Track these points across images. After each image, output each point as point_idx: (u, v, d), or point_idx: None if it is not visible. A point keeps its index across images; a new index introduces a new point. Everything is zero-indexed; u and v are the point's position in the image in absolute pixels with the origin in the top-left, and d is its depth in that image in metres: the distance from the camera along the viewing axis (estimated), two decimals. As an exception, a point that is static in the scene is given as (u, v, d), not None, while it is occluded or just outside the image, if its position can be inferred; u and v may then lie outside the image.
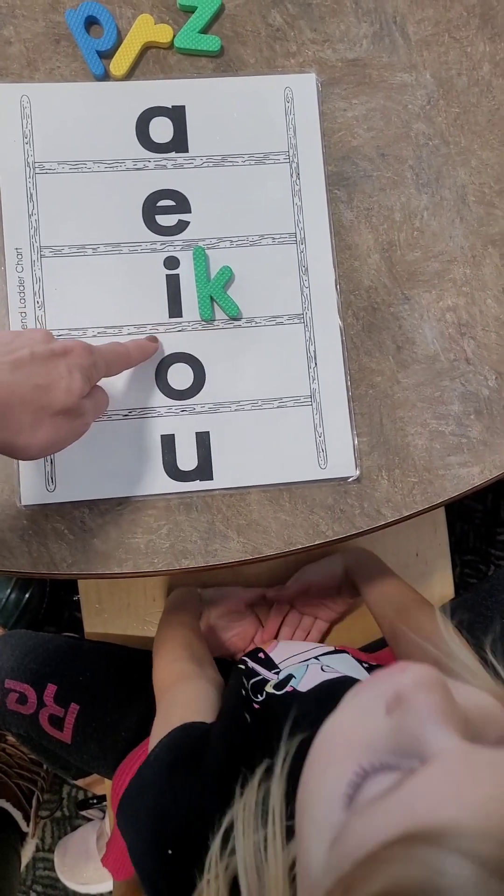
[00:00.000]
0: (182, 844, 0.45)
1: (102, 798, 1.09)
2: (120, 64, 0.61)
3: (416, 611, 0.71)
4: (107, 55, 0.61)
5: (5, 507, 0.57)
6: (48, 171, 0.60)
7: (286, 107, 0.62)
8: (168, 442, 0.59)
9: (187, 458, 0.59)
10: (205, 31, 0.61)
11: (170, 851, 0.45)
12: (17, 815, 1.09)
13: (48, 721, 0.78)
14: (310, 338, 0.61)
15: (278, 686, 0.62)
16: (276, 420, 0.60)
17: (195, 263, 0.60)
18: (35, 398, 0.46)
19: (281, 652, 0.68)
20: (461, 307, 0.62)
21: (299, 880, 0.31)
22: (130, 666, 0.84)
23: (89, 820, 1.22)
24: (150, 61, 0.62)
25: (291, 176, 0.62)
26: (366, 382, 0.61)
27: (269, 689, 0.61)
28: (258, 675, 0.63)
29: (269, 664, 0.65)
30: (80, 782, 0.99)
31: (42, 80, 0.61)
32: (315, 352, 0.60)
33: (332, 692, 0.55)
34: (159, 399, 0.59)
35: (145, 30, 0.61)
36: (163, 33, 0.61)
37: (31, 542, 0.58)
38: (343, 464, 0.60)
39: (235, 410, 0.60)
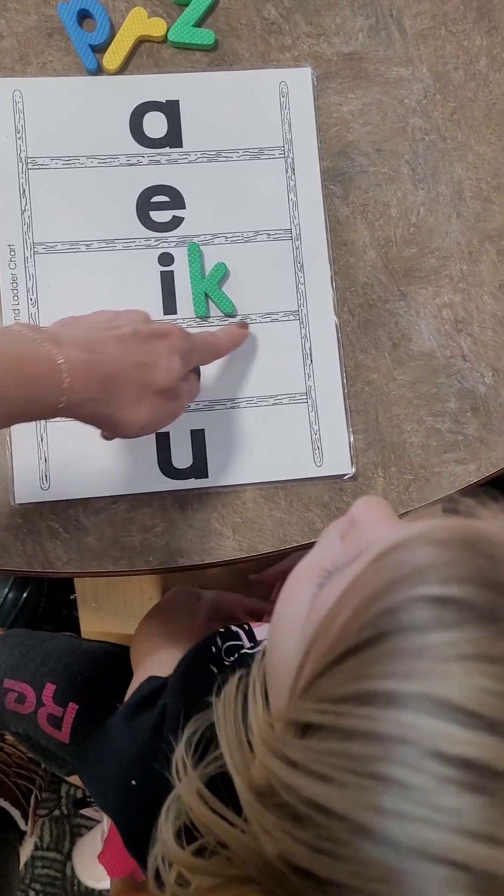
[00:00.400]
0: (144, 776, 0.45)
1: (100, 796, 1.09)
2: (113, 58, 0.60)
3: None
4: (100, 49, 0.60)
5: (-1, 505, 0.57)
6: (41, 166, 0.59)
7: (281, 101, 0.62)
8: (162, 439, 0.58)
9: (182, 456, 0.58)
10: (199, 24, 0.61)
11: (133, 782, 0.46)
12: (16, 813, 1.09)
13: (47, 720, 0.78)
14: (305, 335, 0.60)
15: (253, 647, 0.62)
16: (272, 417, 0.59)
17: (190, 260, 0.59)
18: (138, 375, 0.47)
19: (265, 631, 0.67)
20: (458, 304, 0.62)
21: (272, 698, 0.33)
22: (129, 665, 0.84)
23: (88, 819, 1.22)
24: (143, 55, 0.61)
25: (287, 171, 0.61)
26: (362, 379, 0.61)
27: (244, 650, 0.61)
28: (238, 639, 0.63)
29: (251, 636, 0.65)
30: (74, 779, 0.98)
31: (34, 75, 0.60)
32: (310, 349, 0.60)
33: None
34: None
35: (139, 23, 0.60)
36: (156, 27, 0.60)
37: (26, 540, 0.57)
38: (339, 461, 0.59)
39: (230, 408, 0.59)
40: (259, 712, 0.32)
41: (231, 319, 0.60)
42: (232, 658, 0.59)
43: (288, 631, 0.33)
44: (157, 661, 0.62)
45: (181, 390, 0.51)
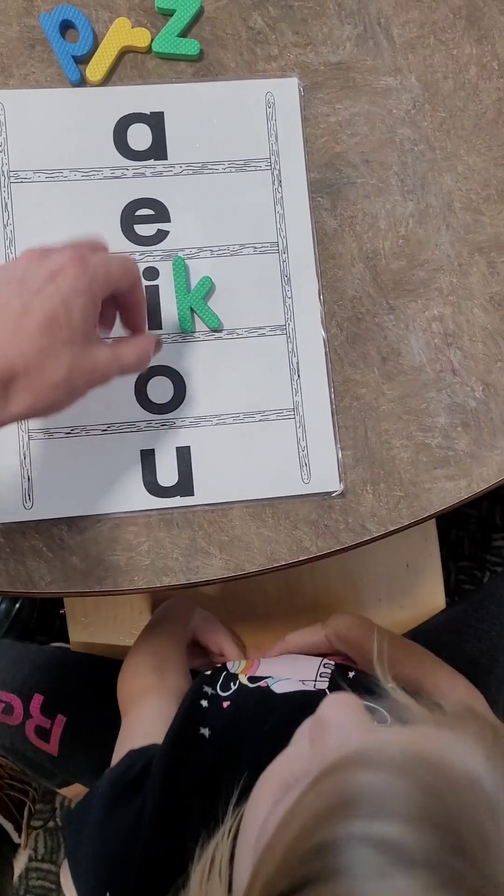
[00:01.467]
0: (117, 886, 0.45)
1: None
2: (96, 69, 0.59)
3: (405, 665, 0.69)
4: (83, 60, 0.59)
5: (-19, 525, 0.56)
6: (23, 180, 0.59)
7: (267, 112, 0.61)
8: (148, 457, 0.57)
9: (167, 474, 0.57)
10: (183, 34, 0.60)
11: (107, 894, 0.45)
12: (9, 826, 1.08)
13: (34, 732, 0.77)
14: (292, 349, 0.59)
15: (252, 679, 0.60)
16: (258, 434, 0.58)
17: (175, 274, 0.58)
18: (39, 362, 0.44)
19: (267, 667, 0.66)
20: (447, 317, 0.61)
21: None
22: (118, 677, 0.83)
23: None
24: (127, 66, 0.60)
25: (273, 183, 0.60)
26: (350, 395, 0.60)
27: (242, 679, 0.59)
28: (235, 677, 0.61)
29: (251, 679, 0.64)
30: (65, 791, 0.97)
31: (16, 86, 0.59)
32: (298, 364, 0.59)
33: (304, 704, 0.53)
34: (138, 413, 0.58)
35: (122, 34, 0.59)
36: (140, 37, 0.59)
37: (9, 559, 0.56)
38: (327, 478, 0.58)
39: (217, 424, 0.58)
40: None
41: (217, 334, 0.59)
42: (233, 687, 0.57)
43: (246, 842, 0.32)
44: (138, 724, 0.60)
45: (93, 337, 0.47)
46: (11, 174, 0.58)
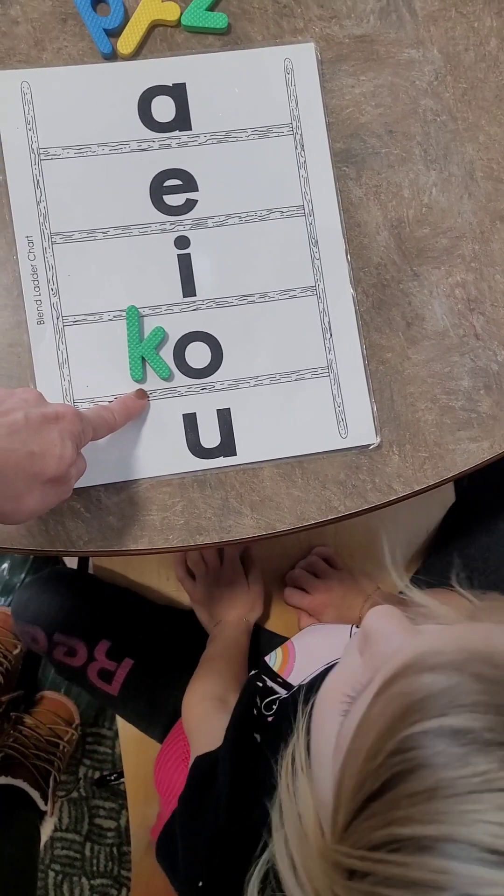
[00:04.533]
0: (208, 874, 0.47)
1: (121, 774, 1.10)
2: (127, 42, 0.61)
3: None
4: (114, 33, 0.61)
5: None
6: (53, 156, 0.60)
7: (287, 78, 0.62)
8: (190, 421, 0.59)
9: (210, 436, 0.59)
10: (212, 8, 0.61)
11: (200, 884, 0.47)
12: (35, 794, 1.11)
13: (97, 675, 0.79)
14: (324, 309, 0.61)
15: (288, 687, 0.64)
16: (295, 393, 0.60)
17: (128, 323, 0.59)
18: (29, 465, 0.46)
19: (299, 673, 0.68)
20: (470, 283, 0.62)
21: (322, 818, 0.33)
22: (186, 628, 0.85)
23: (106, 800, 1.23)
24: (157, 39, 0.62)
25: (296, 148, 0.62)
26: (376, 359, 0.61)
27: (281, 699, 0.62)
28: (274, 693, 0.64)
29: (286, 685, 0.66)
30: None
31: (50, 60, 0.61)
32: (330, 322, 0.61)
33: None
34: (179, 379, 0.60)
35: (152, 8, 0.61)
36: (170, 11, 0.61)
37: (49, 520, 0.58)
38: (363, 432, 0.60)
39: (254, 386, 0.60)
40: (311, 843, 0.32)
41: (250, 298, 0.60)
42: (272, 710, 0.60)
43: (323, 763, 0.34)
44: (207, 734, 0.62)
45: (70, 475, 0.49)
46: (41, 151, 0.60)
